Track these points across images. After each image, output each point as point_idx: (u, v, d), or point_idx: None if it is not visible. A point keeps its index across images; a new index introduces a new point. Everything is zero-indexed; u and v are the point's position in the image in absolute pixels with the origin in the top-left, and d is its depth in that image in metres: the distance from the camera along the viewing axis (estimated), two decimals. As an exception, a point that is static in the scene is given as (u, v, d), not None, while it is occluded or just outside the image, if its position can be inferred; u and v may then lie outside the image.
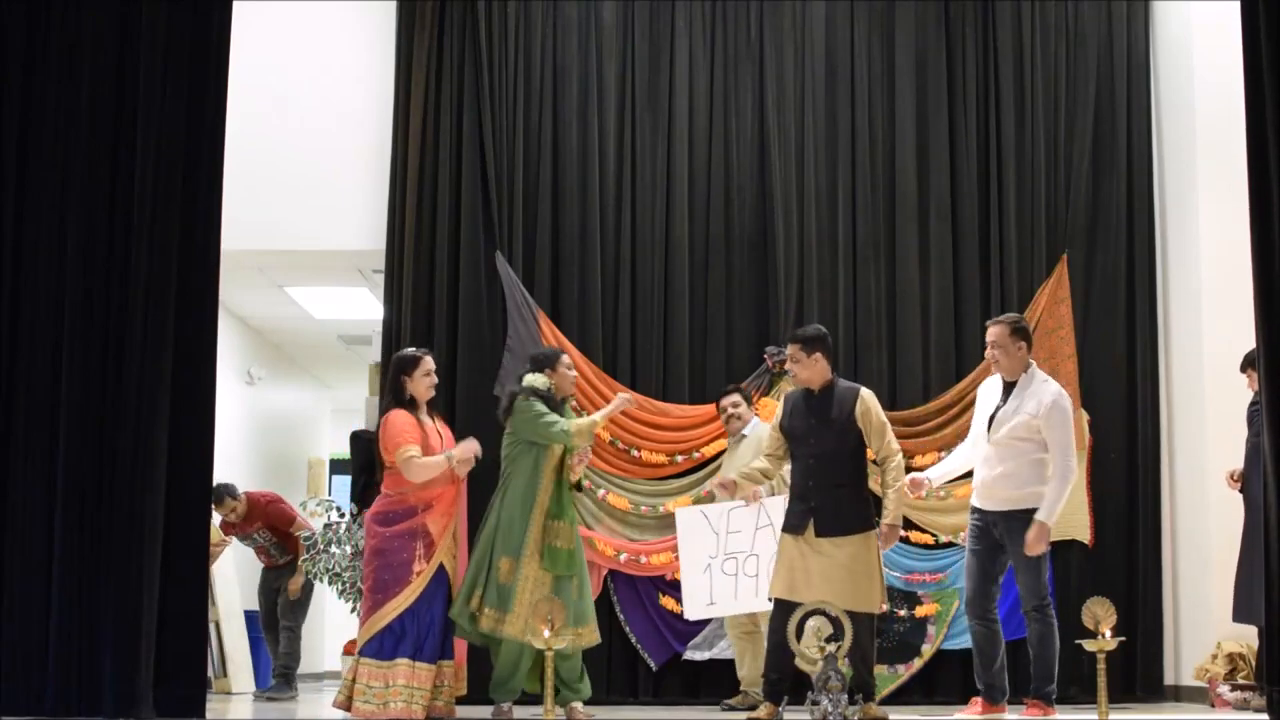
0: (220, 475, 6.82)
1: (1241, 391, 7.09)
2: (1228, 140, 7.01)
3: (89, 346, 6.11)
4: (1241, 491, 6.94)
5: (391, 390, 6.38)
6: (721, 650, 7.81)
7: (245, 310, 10.90)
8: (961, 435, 7.98)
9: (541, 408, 6.38)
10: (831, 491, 6.04)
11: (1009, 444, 6.21)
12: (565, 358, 6.62)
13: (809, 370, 6.15)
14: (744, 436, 7.40)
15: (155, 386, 6.04)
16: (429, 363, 6.38)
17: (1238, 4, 5.82)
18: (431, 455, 6.19)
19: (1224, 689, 7.13)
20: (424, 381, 6.33)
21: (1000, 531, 6.26)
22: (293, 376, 13.15)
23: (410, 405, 6.30)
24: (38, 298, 6.15)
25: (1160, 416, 8.26)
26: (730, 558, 6.91)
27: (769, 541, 6.74)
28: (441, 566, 6.19)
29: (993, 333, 6.32)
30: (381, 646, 6.06)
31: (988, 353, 6.37)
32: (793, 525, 6.06)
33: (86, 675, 5.88)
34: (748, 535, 6.97)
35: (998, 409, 6.29)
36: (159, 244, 6.15)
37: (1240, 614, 6.86)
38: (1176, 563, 8.14)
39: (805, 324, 8.10)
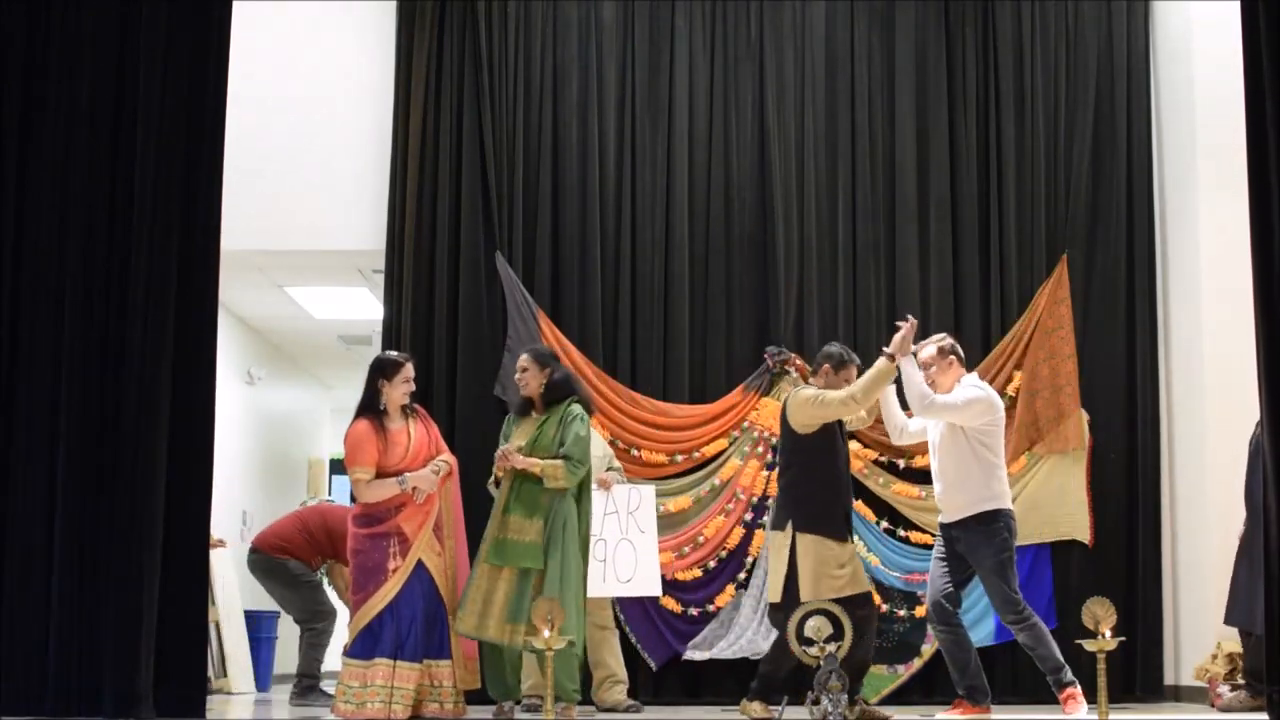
0: (220, 475, 6.82)
1: (1241, 391, 7.07)
2: (1228, 140, 7.00)
3: (89, 346, 6.12)
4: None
5: (366, 393, 6.34)
6: (721, 650, 7.82)
7: (245, 310, 10.90)
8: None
9: (505, 428, 6.55)
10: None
11: (945, 448, 6.38)
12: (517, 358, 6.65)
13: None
14: None
15: (155, 386, 6.05)
16: (409, 370, 6.35)
17: (1238, 3, 5.83)
18: (395, 463, 6.18)
19: (1224, 689, 7.12)
20: (401, 388, 6.30)
21: (962, 545, 6.38)
22: (293, 376, 13.15)
23: (381, 412, 6.29)
24: (38, 298, 6.16)
25: (1160, 416, 8.26)
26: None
27: (614, 528, 7.14)
28: (421, 564, 6.17)
29: (926, 356, 6.49)
30: (362, 647, 6.06)
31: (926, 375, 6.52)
32: (841, 534, 6.23)
33: (86, 675, 5.89)
34: (595, 519, 6.94)
35: (941, 431, 6.48)
36: (159, 244, 6.15)
37: (1232, 617, 6.87)
38: (1176, 563, 8.14)
39: (805, 324, 8.20)
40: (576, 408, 6.43)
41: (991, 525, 6.29)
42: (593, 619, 6.87)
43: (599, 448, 7.32)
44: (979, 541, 6.28)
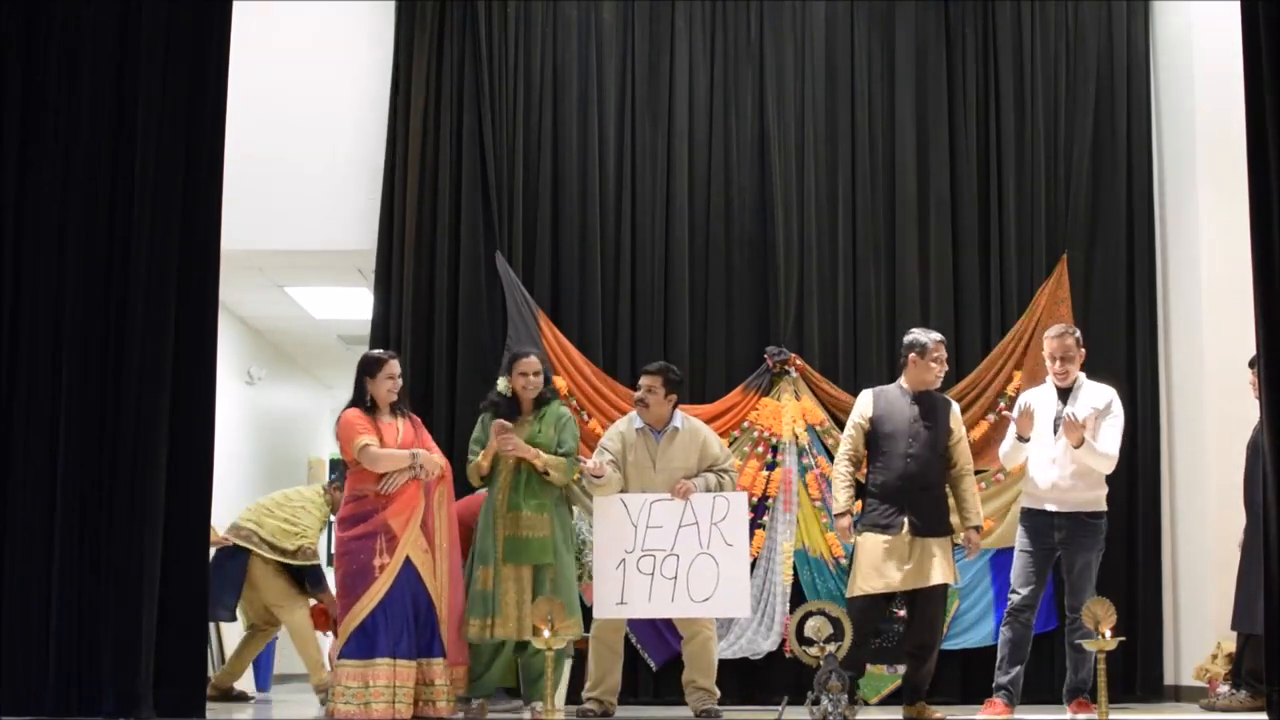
0: (220, 475, 6.82)
1: (1241, 392, 7.08)
2: (1228, 140, 7.00)
3: (89, 346, 6.11)
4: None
5: (354, 390, 6.52)
6: (722, 650, 7.80)
7: (245, 310, 10.89)
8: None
9: (476, 432, 6.64)
10: (928, 493, 6.38)
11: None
12: (523, 360, 6.64)
13: (938, 372, 6.53)
14: (675, 429, 6.72)
15: (155, 386, 6.05)
16: (394, 366, 6.51)
17: (1238, 3, 5.83)
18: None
19: (1224, 689, 7.11)
20: (385, 384, 6.45)
21: (1064, 535, 6.48)
22: (293, 376, 13.14)
23: (370, 407, 6.42)
24: (38, 298, 6.15)
25: (1160, 416, 8.26)
26: (648, 555, 6.49)
27: (691, 541, 6.48)
28: (409, 561, 6.20)
29: (1069, 345, 6.56)
30: (357, 647, 6.07)
31: (1059, 365, 6.55)
32: (881, 525, 6.33)
33: (86, 675, 5.88)
34: (669, 532, 6.49)
35: (1058, 413, 6.49)
36: (159, 244, 6.15)
37: (1238, 622, 6.86)
38: (1176, 563, 8.14)
39: (805, 324, 8.19)
40: (568, 410, 6.76)
41: (1102, 522, 6.56)
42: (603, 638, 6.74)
43: (690, 455, 6.68)
44: (1089, 534, 6.49)
